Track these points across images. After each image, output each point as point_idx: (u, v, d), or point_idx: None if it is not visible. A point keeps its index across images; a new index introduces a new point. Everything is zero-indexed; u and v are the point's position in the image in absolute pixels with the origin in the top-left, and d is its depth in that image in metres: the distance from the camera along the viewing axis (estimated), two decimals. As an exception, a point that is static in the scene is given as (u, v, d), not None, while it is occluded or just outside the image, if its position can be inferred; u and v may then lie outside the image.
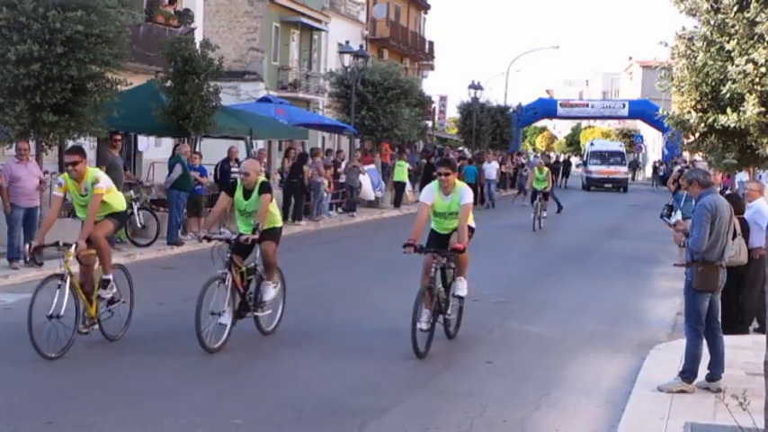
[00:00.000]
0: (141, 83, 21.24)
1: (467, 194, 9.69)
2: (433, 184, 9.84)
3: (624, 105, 62.12)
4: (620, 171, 51.06)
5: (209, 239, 9.68)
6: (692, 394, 7.85)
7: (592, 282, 15.70)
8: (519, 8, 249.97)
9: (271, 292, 9.91)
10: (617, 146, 57.15)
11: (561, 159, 62.37)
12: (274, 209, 10.03)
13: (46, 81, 13.97)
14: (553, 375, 8.90)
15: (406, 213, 29.35)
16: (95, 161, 18.35)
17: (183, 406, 7.36)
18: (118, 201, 9.65)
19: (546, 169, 25.78)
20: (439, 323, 9.62)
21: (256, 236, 9.40)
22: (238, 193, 9.81)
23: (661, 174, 53.94)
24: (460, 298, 10.02)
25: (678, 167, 30.86)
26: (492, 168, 33.27)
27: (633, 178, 60.43)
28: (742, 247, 9.26)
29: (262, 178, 9.87)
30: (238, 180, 9.93)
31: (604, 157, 51.64)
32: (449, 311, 9.84)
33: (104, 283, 9.31)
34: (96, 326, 9.22)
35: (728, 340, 8.59)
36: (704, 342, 8.14)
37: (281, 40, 37.93)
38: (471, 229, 10.09)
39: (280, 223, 10.16)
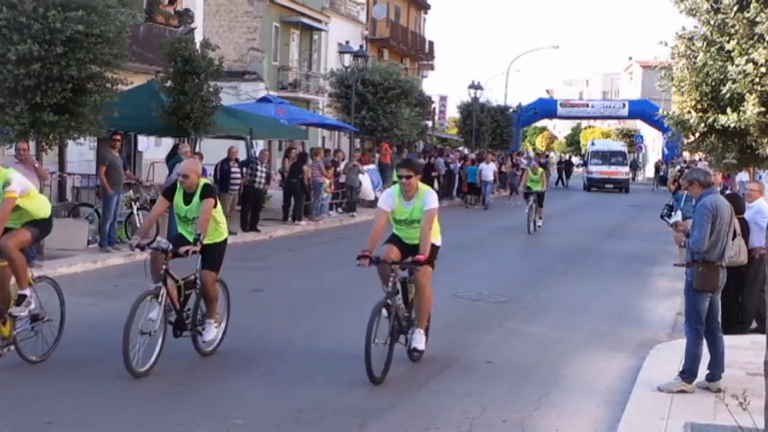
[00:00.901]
0: (141, 83, 21.25)
1: (431, 199, 8.58)
2: (394, 189, 8.80)
3: (624, 105, 62.06)
4: (622, 171, 50.11)
5: (142, 248, 8.51)
6: (692, 394, 7.85)
7: (592, 282, 15.70)
8: (519, 8, 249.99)
9: (212, 331, 8.82)
10: (618, 146, 56.25)
11: (564, 159, 62.42)
12: (220, 216, 8.86)
13: (46, 81, 13.97)
14: (553, 375, 8.90)
15: (406, 213, 29.36)
16: (95, 161, 18.35)
17: (183, 406, 7.35)
18: (39, 207, 8.39)
19: (540, 170, 25.08)
20: (401, 344, 8.65)
21: (197, 247, 8.38)
22: (178, 197, 8.72)
23: (662, 174, 53.71)
24: (417, 351, 8.81)
25: (678, 167, 30.89)
26: (489, 169, 33.22)
27: (633, 178, 60.15)
28: (742, 248, 9.26)
29: (204, 180, 8.78)
30: (178, 182, 8.79)
31: (605, 156, 50.72)
32: (410, 332, 8.80)
33: (19, 300, 8.18)
34: (12, 347, 8.16)
35: (728, 340, 8.59)
36: (704, 342, 8.14)
37: (281, 40, 37.94)
38: (435, 249, 8.74)
39: (224, 235, 8.93)
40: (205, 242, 8.52)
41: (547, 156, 70.53)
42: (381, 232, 8.55)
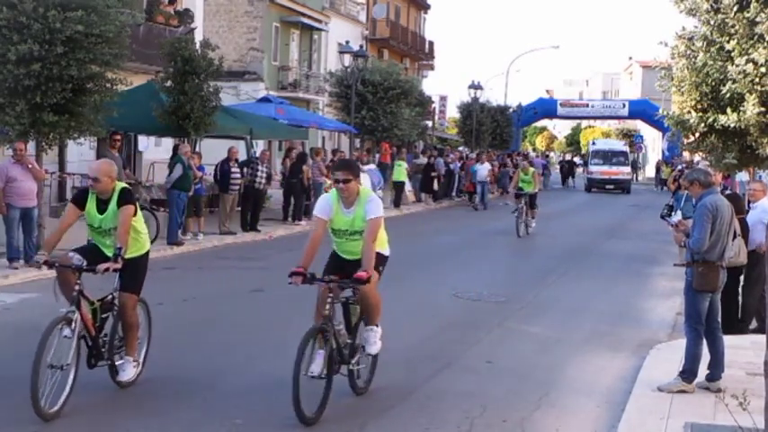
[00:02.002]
0: (141, 83, 21.25)
1: (374, 207, 7.36)
2: (331, 195, 7.54)
3: (624, 105, 61.97)
4: (623, 171, 49.10)
5: (50, 266, 7.19)
6: (692, 394, 7.85)
7: (592, 282, 15.69)
8: (519, 8, 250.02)
9: (129, 371, 7.56)
10: (620, 145, 55.08)
11: (568, 159, 62.36)
12: (140, 225, 7.63)
13: (46, 81, 13.96)
14: (553, 375, 8.89)
15: (406, 213, 29.40)
16: (95, 160, 18.33)
17: (183, 405, 7.36)
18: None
19: (532, 170, 23.93)
20: (343, 375, 7.51)
21: (118, 265, 7.13)
22: (90, 206, 7.41)
23: (662, 176, 53.39)
24: (371, 355, 7.83)
25: (678, 167, 30.89)
26: (484, 169, 33.21)
27: (636, 179, 59.92)
28: (742, 248, 9.28)
29: (122, 185, 7.50)
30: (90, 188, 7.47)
31: (606, 156, 49.70)
32: (354, 361, 7.59)
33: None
34: None
35: (728, 340, 8.59)
36: (704, 342, 8.14)
37: (281, 40, 37.94)
38: (383, 258, 7.67)
39: (146, 247, 7.72)
40: (126, 257, 7.30)
41: (547, 156, 70.57)
42: (319, 244, 7.35)
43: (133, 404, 7.31)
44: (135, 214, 7.42)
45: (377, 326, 7.80)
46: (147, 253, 7.73)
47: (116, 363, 7.48)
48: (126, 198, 7.35)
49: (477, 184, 33.19)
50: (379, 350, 7.80)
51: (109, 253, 7.30)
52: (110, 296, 7.48)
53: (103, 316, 7.42)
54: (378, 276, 7.52)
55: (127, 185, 7.61)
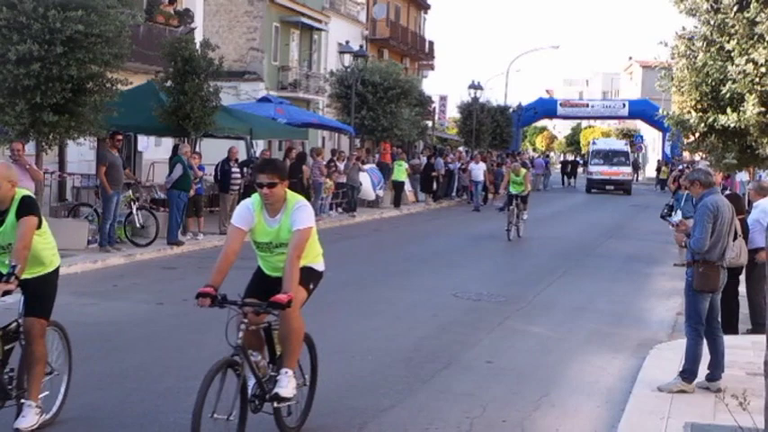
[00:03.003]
0: (141, 83, 21.26)
1: (303, 215, 6.17)
2: (253, 200, 6.31)
3: (624, 105, 61.87)
4: (623, 172, 48.13)
5: None
6: (692, 394, 7.85)
7: (592, 282, 15.69)
8: (519, 8, 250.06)
9: (30, 418, 6.23)
10: (621, 145, 53.95)
11: (570, 159, 62.28)
12: (46, 239, 6.51)
13: (46, 81, 13.97)
14: (553, 375, 8.89)
15: (406, 213, 29.40)
16: (95, 161, 18.36)
17: (182, 405, 7.34)
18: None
19: (523, 171, 22.76)
20: (267, 413, 6.35)
21: (12, 286, 6.03)
22: None
23: (661, 177, 53.21)
24: (282, 399, 6.31)
25: (678, 167, 30.90)
26: (479, 170, 33.18)
27: (636, 179, 59.70)
28: (742, 248, 9.28)
29: (23, 192, 6.31)
30: None
31: (607, 156, 48.73)
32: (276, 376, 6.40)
33: None
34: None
35: (728, 340, 8.58)
36: (704, 342, 8.14)
37: (281, 40, 37.94)
38: (314, 273, 6.56)
39: (55, 263, 6.61)
40: (26, 276, 6.21)
41: (547, 156, 70.57)
42: (233, 259, 6.22)
43: (133, 404, 7.30)
44: (39, 226, 6.27)
45: (292, 369, 6.32)
46: (57, 270, 6.64)
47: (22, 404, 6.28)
48: (27, 208, 6.16)
49: (472, 185, 33.18)
50: (295, 394, 6.41)
51: (4, 271, 6.14)
52: (14, 323, 6.41)
53: (7, 348, 6.28)
54: (305, 296, 6.44)
55: (29, 193, 6.41)
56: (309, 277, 6.51)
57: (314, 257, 6.58)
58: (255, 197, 6.31)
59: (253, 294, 6.39)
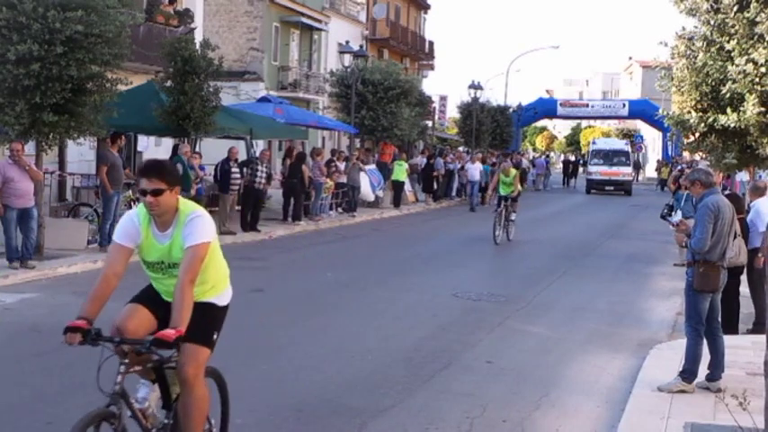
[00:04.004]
0: (141, 83, 21.26)
1: (197, 228, 5.04)
2: (138, 212, 5.19)
3: (624, 105, 61.80)
4: (624, 172, 47.39)
5: None
6: (692, 394, 7.85)
7: (592, 282, 15.70)
8: (519, 8, 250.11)
9: None
10: (621, 144, 52.97)
11: (571, 159, 62.21)
12: None
13: (46, 81, 13.96)
14: (553, 375, 8.89)
15: (406, 213, 29.40)
16: (95, 161, 18.37)
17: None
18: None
19: (514, 171, 21.74)
20: None
21: None
22: None
23: (661, 177, 53.04)
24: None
25: (678, 167, 30.90)
26: (475, 169, 33.14)
27: (636, 179, 59.54)
28: (742, 248, 9.29)
29: None
30: None
31: (607, 156, 47.92)
32: None
33: None
34: None
35: (728, 340, 8.59)
36: (704, 342, 8.14)
37: (281, 40, 37.95)
38: (217, 314, 5.35)
39: None
40: None
41: (547, 155, 70.56)
42: (115, 284, 5.06)
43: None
44: None
45: None
46: None
47: None
48: None
49: (468, 185, 33.14)
50: None
51: None
52: None
53: None
54: (208, 354, 5.18)
55: None
56: (212, 322, 5.25)
57: (216, 286, 5.33)
58: (142, 207, 5.17)
59: (142, 319, 5.20)
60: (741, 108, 12.85)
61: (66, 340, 4.83)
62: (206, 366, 5.22)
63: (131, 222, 5.17)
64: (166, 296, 5.20)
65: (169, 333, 4.72)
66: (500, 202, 21.07)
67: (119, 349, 4.92)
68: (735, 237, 8.35)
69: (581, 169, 60.98)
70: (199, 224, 5.06)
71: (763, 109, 12.69)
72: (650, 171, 68.84)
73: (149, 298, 5.32)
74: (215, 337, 5.25)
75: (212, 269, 5.26)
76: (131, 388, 5.10)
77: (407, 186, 32.03)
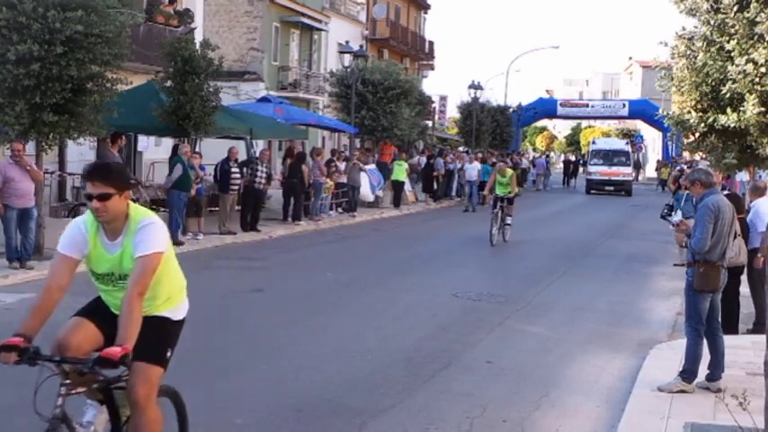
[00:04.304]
0: (141, 83, 21.26)
1: (149, 236, 4.64)
2: (86, 219, 4.78)
3: (624, 105, 61.76)
4: (624, 172, 46.91)
5: None
6: (692, 394, 7.85)
7: (592, 282, 15.70)
8: (519, 8, 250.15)
9: None
10: (621, 144, 52.37)
11: (571, 159, 62.20)
12: None
13: (46, 81, 13.96)
14: (553, 375, 8.89)
15: (406, 213, 29.40)
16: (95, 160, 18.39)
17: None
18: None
19: (510, 171, 21.50)
20: None
21: None
22: None
23: (661, 178, 52.90)
24: None
25: (678, 167, 30.90)
26: (473, 170, 33.14)
27: (636, 179, 59.44)
28: (742, 248, 9.29)
29: None
30: None
31: (607, 156, 47.42)
32: None
33: None
34: None
35: (728, 340, 8.58)
36: (704, 342, 8.14)
37: (281, 40, 37.95)
38: (171, 329, 4.96)
39: None
40: None
41: (547, 155, 70.56)
42: (59, 297, 4.62)
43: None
44: None
45: None
46: None
47: None
48: None
49: (465, 185, 33.14)
50: None
51: None
52: None
53: None
54: (161, 373, 4.83)
55: None
56: (165, 338, 4.88)
57: (170, 298, 4.93)
58: (89, 214, 4.74)
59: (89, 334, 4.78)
60: (741, 108, 12.85)
61: (2, 360, 4.42)
62: (160, 386, 4.88)
63: (78, 230, 4.77)
64: (116, 310, 4.74)
65: (114, 351, 4.31)
66: (496, 203, 20.79)
67: (60, 369, 4.48)
68: (735, 237, 8.35)
69: (581, 169, 60.96)
70: (151, 232, 4.67)
71: (763, 109, 12.69)
72: (650, 171, 68.79)
73: (96, 312, 4.89)
74: (168, 354, 4.88)
75: (166, 281, 4.86)
76: (77, 410, 4.77)
77: (407, 186, 32.03)
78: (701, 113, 13.76)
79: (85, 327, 4.82)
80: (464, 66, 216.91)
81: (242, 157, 21.87)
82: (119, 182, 4.67)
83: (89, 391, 4.72)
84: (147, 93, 19.70)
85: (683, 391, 7.86)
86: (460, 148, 47.57)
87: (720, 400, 6.74)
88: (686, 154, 42.01)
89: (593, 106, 64.85)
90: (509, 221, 21.02)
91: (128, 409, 4.79)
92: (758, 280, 10.46)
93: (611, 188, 45.90)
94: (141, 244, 4.61)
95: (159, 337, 4.82)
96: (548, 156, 70.39)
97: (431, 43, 59.24)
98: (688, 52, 13.73)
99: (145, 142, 25.30)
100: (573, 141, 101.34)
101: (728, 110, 13.03)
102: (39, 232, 14.37)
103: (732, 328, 10.32)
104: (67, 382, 4.48)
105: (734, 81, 12.64)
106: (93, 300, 4.97)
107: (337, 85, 33.26)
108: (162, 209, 18.47)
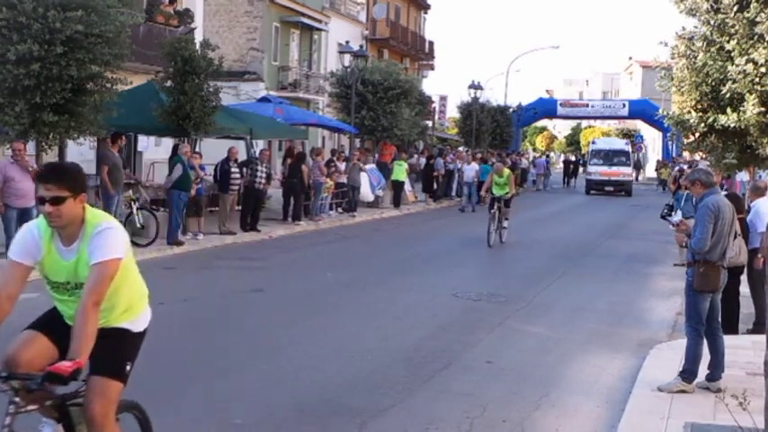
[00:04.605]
0: (141, 83, 21.26)
1: (105, 241, 4.35)
2: (39, 224, 4.51)
3: (624, 105, 61.73)
4: (624, 172, 46.52)
5: None
6: (692, 394, 7.85)
7: (592, 282, 15.69)
8: (519, 8, 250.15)
9: None
10: (621, 144, 51.86)
11: (571, 159, 62.20)
12: None
13: (46, 81, 13.96)
14: (553, 375, 8.89)
15: (406, 213, 29.40)
16: (95, 161, 18.38)
17: (182, 406, 7.35)
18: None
19: (507, 172, 21.20)
20: None
21: None
22: None
23: (661, 178, 52.84)
24: None
25: (677, 167, 30.92)
26: (471, 170, 33.14)
27: (636, 179, 59.40)
28: (742, 248, 9.29)
29: None
30: None
31: (607, 156, 47.00)
32: None
33: None
34: None
35: (728, 340, 8.59)
36: (704, 342, 8.14)
37: (281, 40, 37.95)
38: (131, 342, 4.64)
39: None
40: None
41: (547, 155, 70.56)
42: (8, 308, 4.41)
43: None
44: None
45: None
46: None
47: None
48: None
49: (463, 186, 33.14)
50: None
51: None
52: None
53: None
54: (120, 388, 4.51)
55: None
56: (125, 351, 4.58)
57: (130, 308, 4.63)
58: (43, 219, 4.45)
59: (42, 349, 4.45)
60: (741, 108, 12.86)
61: None
62: (122, 401, 4.57)
63: (30, 235, 4.45)
64: (72, 321, 4.38)
65: (64, 366, 3.99)
66: (493, 203, 20.53)
67: (9, 385, 4.19)
68: (735, 237, 8.35)
69: (581, 169, 60.94)
70: (108, 237, 4.35)
71: (763, 109, 12.71)
72: (650, 171, 68.79)
73: (50, 324, 4.55)
74: (128, 368, 4.56)
75: (125, 289, 4.56)
76: (33, 429, 4.54)
77: (407, 186, 32.04)
78: (701, 113, 13.78)
79: (38, 341, 4.50)
80: (464, 66, 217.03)
81: (242, 157, 21.87)
82: (74, 184, 4.36)
83: (43, 408, 4.43)
84: (147, 93, 19.70)
85: (683, 391, 7.86)
86: (461, 148, 47.60)
87: (720, 400, 6.74)
88: (686, 154, 42.06)
89: (593, 106, 64.81)
90: (505, 225, 20.79)
91: (84, 427, 4.48)
92: (758, 280, 10.46)
93: (611, 188, 45.55)
94: (97, 250, 4.31)
95: (118, 350, 4.53)
96: (548, 156, 70.37)
97: (431, 43, 59.24)
98: (688, 52, 13.75)
99: (145, 142, 25.29)
100: (573, 141, 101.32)
101: (728, 110, 13.05)
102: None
103: (732, 328, 10.32)
104: (17, 399, 4.20)
105: (734, 81, 12.65)
106: (48, 311, 4.65)
107: (337, 85, 33.26)
108: (162, 209, 18.49)
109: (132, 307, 4.64)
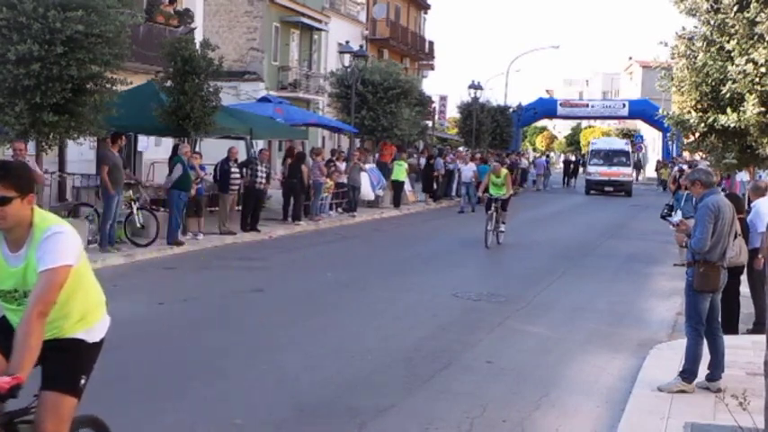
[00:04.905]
0: (141, 83, 21.26)
1: (55, 247, 4.02)
2: None
3: (624, 105, 61.70)
4: (624, 173, 45.93)
5: None
6: (692, 394, 7.85)
7: (592, 282, 15.69)
8: (519, 8, 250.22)
9: None
10: (621, 144, 51.61)
11: (571, 159, 62.20)
12: None
13: (46, 81, 13.97)
14: (553, 375, 8.89)
15: (406, 213, 29.40)
16: (95, 161, 18.39)
17: (182, 406, 7.35)
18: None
19: (504, 172, 21.00)
20: None
21: None
22: None
23: (661, 178, 52.77)
24: None
25: (677, 167, 30.92)
26: (469, 170, 33.12)
27: (636, 179, 59.36)
28: (742, 248, 9.29)
29: None
30: None
31: (607, 156, 46.82)
32: None
33: None
34: None
35: (728, 340, 8.58)
36: (704, 342, 8.14)
37: (281, 40, 37.95)
38: (87, 353, 4.33)
39: None
40: None
41: (548, 155, 70.56)
42: None
43: (132, 404, 7.30)
44: None
45: None
46: None
47: None
48: None
49: (462, 186, 33.13)
50: None
51: None
52: None
53: None
54: (74, 403, 4.23)
55: None
56: (79, 364, 4.28)
57: (85, 318, 4.31)
58: None
59: None
60: (741, 108, 12.87)
61: None
62: (76, 417, 4.27)
63: None
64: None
65: (1, 382, 3.69)
66: (490, 204, 20.27)
67: None
68: (735, 237, 8.35)
69: (581, 169, 60.94)
70: (58, 242, 4.01)
71: (763, 109, 12.71)
72: (650, 171, 68.79)
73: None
74: (83, 382, 4.24)
75: (80, 297, 4.24)
76: None
77: (407, 186, 32.04)
78: (701, 113, 13.78)
79: None
80: (464, 66, 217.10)
81: (242, 157, 21.88)
82: (20, 183, 4.04)
83: None
84: (147, 93, 19.70)
85: (683, 391, 7.86)
86: (461, 148, 47.59)
87: (720, 400, 6.74)
88: (686, 154, 42.05)
89: (593, 106, 64.77)
90: (503, 228, 20.56)
91: None
92: (758, 280, 10.47)
93: (611, 188, 45.36)
94: (46, 256, 3.98)
95: (72, 362, 4.22)
96: (548, 156, 70.36)
97: (431, 43, 59.24)
98: (688, 52, 13.76)
99: (145, 142, 25.29)
100: (573, 141, 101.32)
101: (728, 110, 13.05)
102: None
103: (732, 328, 10.32)
104: None
105: (734, 81, 12.66)
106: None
107: (337, 85, 33.26)
108: (162, 209, 18.49)
109: (87, 316, 4.31)
